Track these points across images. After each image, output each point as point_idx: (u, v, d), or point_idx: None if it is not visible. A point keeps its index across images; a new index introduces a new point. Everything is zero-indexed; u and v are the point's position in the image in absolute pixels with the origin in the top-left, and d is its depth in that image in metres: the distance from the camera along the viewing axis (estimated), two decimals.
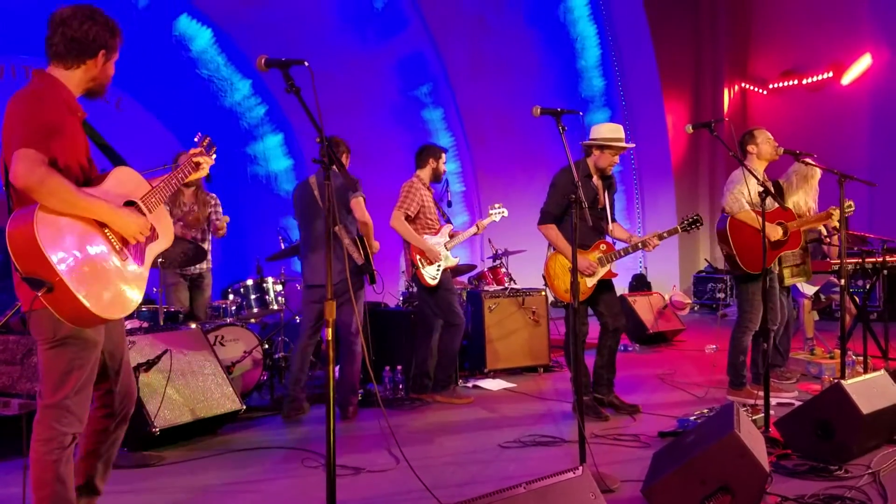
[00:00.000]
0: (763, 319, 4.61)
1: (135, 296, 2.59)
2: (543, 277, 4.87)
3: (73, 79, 2.61)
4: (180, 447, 4.35)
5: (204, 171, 3.01)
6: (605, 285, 4.88)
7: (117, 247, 2.55)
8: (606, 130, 4.82)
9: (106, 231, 2.52)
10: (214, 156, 3.13)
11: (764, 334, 4.53)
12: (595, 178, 4.86)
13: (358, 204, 4.93)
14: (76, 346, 2.55)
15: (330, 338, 2.47)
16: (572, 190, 4.66)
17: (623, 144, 4.80)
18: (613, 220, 4.98)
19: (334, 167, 2.55)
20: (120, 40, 2.71)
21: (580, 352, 4.78)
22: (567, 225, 4.75)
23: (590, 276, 4.74)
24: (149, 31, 9.59)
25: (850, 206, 5.39)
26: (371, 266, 5.04)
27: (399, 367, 5.72)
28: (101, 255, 2.49)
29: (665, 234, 4.86)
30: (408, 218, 5.41)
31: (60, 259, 2.34)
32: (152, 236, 2.72)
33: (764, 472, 2.97)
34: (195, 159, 2.98)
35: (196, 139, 3.11)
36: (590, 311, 5.02)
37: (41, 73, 2.61)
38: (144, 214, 2.69)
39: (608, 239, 4.93)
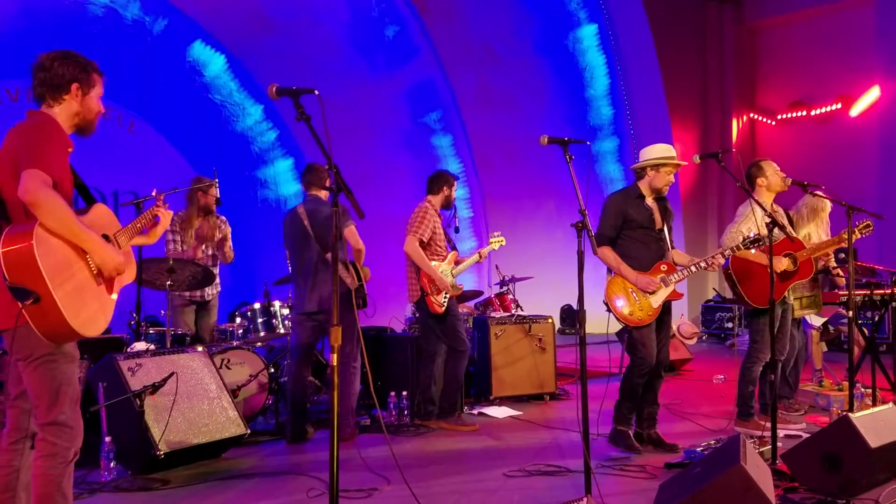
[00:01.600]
0: (772, 350, 4.58)
1: (105, 319, 2.75)
2: (605, 303, 4.67)
3: (61, 116, 2.80)
4: (184, 471, 4.34)
5: (165, 225, 3.21)
6: (664, 310, 4.73)
7: (94, 272, 2.72)
8: (660, 150, 4.78)
9: (87, 257, 2.69)
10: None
11: (772, 366, 4.51)
12: (649, 200, 4.78)
13: (351, 232, 5.08)
14: (60, 361, 2.64)
15: (335, 363, 2.47)
16: (624, 210, 4.67)
17: (678, 161, 4.76)
18: (672, 247, 4.83)
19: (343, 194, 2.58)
20: (97, 76, 2.86)
21: (632, 378, 4.69)
22: (621, 247, 4.68)
23: (652, 293, 4.60)
24: (163, 56, 9.75)
25: (868, 227, 5.32)
26: (363, 290, 5.10)
27: (404, 393, 5.70)
28: (83, 276, 2.67)
29: (727, 252, 4.79)
30: (420, 243, 5.42)
31: (52, 273, 2.49)
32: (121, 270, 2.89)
33: None
34: (156, 212, 3.19)
35: (153, 194, 3.35)
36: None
37: (36, 112, 2.80)
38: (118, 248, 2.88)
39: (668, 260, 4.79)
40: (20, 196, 2.51)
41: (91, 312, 2.64)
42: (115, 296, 2.85)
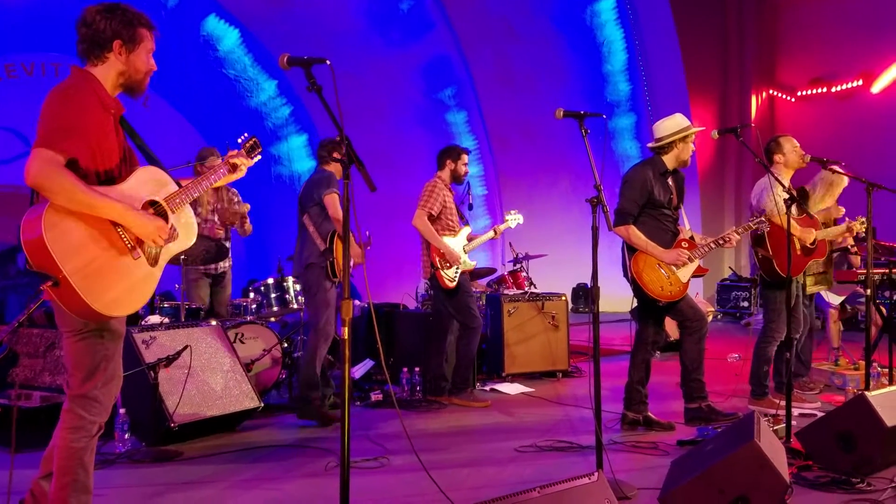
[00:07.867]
0: (788, 328, 4.54)
1: (142, 295, 2.62)
2: (632, 280, 4.53)
3: (104, 75, 2.64)
4: (198, 443, 4.39)
5: (241, 174, 3.01)
6: None
7: (129, 245, 2.56)
8: (681, 120, 4.64)
9: (119, 230, 2.53)
10: (258, 157, 3.11)
11: (787, 344, 4.46)
12: (669, 178, 4.67)
13: (331, 201, 4.88)
14: (103, 337, 2.60)
15: (346, 336, 2.46)
16: (650, 187, 4.55)
17: (697, 127, 4.68)
18: (681, 224, 4.73)
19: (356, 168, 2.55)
20: (144, 31, 2.69)
21: (643, 356, 4.68)
22: (642, 226, 4.55)
23: (682, 265, 4.52)
24: (177, 30, 9.71)
25: (863, 223, 5.26)
26: (331, 254, 4.90)
27: (417, 369, 5.71)
28: (109, 254, 2.50)
29: (741, 231, 4.78)
30: (430, 217, 5.41)
31: (65, 257, 2.37)
32: (171, 236, 2.71)
33: (784, 483, 2.92)
34: (233, 160, 2.98)
35: (240, 140, 3.08)
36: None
37: (78, 69, 2.64)
38: (167, 214, 2.70)
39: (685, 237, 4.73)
40: (24, 179, 2.40)
41: (119, 292, 2.50)
42: (159, 267, 2.68)
